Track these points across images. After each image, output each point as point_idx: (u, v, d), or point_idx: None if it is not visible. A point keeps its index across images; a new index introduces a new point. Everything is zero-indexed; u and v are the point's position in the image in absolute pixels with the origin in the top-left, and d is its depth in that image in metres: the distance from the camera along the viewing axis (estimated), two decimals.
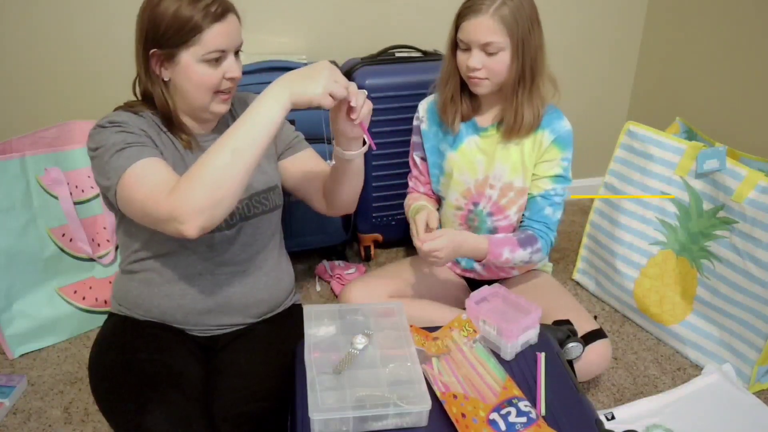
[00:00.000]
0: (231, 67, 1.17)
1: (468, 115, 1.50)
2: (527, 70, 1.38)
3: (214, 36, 1.12)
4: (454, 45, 1.41)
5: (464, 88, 1.46)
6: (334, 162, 1.29)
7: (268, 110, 1.01)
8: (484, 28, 1.33)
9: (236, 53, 1.19)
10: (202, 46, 1.12)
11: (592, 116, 2.46)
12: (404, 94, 1.86)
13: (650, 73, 2.36)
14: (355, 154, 1.24)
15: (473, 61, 1.36)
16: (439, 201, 1.64)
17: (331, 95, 1.04)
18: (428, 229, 1.42)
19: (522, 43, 1.35)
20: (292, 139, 1.41)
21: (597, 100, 2.44)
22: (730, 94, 2.00)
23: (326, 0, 2.01)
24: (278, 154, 1.39)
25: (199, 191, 0.99)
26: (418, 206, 1.54)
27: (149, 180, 1.06)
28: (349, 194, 1.35)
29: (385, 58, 1.96)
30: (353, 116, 1.13)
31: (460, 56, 1.40)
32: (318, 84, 1.03)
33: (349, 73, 1.92)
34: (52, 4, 1.82)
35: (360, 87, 1.84)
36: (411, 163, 1.65)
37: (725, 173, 1.55)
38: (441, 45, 2.04)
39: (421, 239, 1.36)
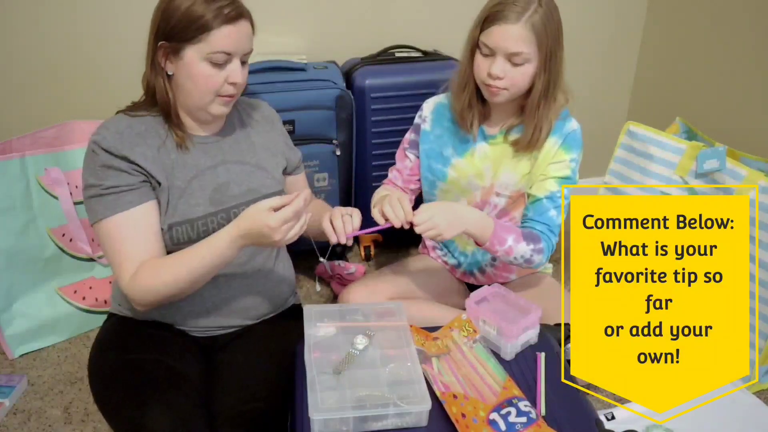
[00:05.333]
0: (234, 72, 1.17)
1: (479, 122, 1.44)
2: (551, 84, 1.32)
3: (222, 37, 1.13)
4: (475, 47, 1.33)
5: (479, 93, 1.39)
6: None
7: (224, 252, 1.12)
8: (515, 37, 1.25)
9: (244, 62, 1.19)
10: (208, 44, 1.13)
11: (592, 116, 2.44)
12: (404, 94, 1.86)
13: (650, 73, 2.36)
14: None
15: (496, 68, 1.28)
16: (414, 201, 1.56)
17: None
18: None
19: (550, 55, 1.29)
20: (296, 163, 1.42)
21: (597, 100, 2.44)
22: (730, 94, 2.00)
23: (326, 0, 2.01)
24: (283, 169, 1.39)
25: (152, 294, 1.15)
26: (383, 194, 1.45)
27: (117, 246, 1.16)
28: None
29: (385, 58, 1.96)
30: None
31: (481, 61, 1.31)
32: (271, 243, 1.10)
33: (349, 73, 1.92)
34: (53, 4, 1.82)
35: (360, 87, 1.88)
36: (398, 156, 1.57)
37: (725, 173, 1.55)
38: (441, 45, 2.05)
39: (410, 221, 1.24)
